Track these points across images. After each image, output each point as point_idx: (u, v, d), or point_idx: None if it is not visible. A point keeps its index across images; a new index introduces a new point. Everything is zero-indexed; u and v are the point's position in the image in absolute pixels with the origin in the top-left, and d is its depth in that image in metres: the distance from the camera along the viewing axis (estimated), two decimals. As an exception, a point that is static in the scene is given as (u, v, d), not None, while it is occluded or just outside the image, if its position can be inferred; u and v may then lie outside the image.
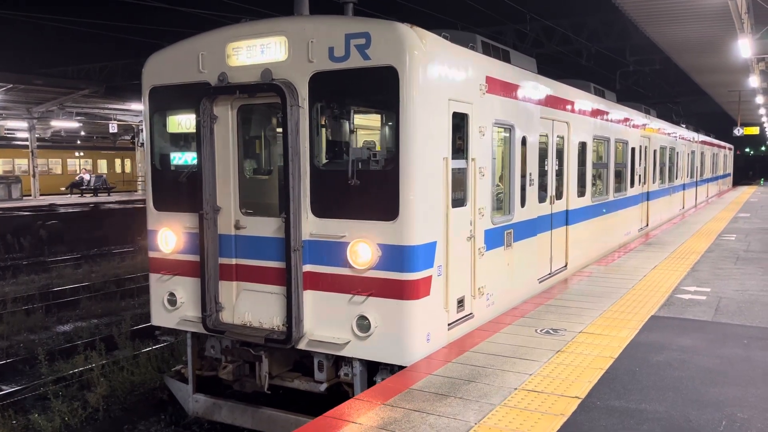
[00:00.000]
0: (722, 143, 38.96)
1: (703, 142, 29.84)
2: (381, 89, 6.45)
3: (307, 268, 6.75)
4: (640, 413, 5.10)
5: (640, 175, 16.60)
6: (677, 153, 22.46)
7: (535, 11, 23.18)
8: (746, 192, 39.06)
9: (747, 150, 79.00)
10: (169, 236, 7.70)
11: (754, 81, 22.80)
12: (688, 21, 16.56)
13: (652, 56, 27.29)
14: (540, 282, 9.70)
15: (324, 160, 6.86)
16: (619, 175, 14.72)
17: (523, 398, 5.40)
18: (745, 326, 7.68)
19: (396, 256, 6.34)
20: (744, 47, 15.53)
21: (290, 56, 6.74)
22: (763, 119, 42.83)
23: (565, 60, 27.27)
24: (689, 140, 25.32)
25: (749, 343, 6.95)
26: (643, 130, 16.77)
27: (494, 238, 8.00)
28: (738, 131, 36.89)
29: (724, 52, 20.03)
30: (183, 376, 8.03)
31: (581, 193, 11.66)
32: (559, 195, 10.53)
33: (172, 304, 7.69)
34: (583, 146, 11.67)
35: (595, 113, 12.45)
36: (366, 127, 8.02)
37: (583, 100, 11.74)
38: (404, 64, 6.23)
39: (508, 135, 8.55)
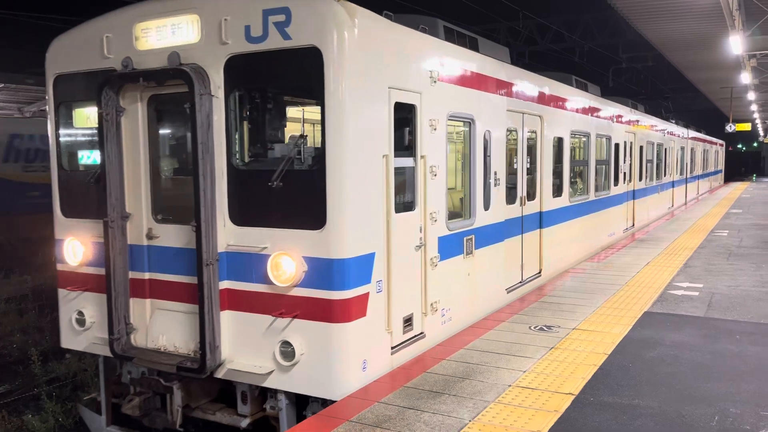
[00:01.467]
0: (713, 139, 38.63)
1: (694, 138, 29.32)
2: (304, 74, 5.53)
3: (225, 284, 5.85)
4: (633, 409, 5.13)
5: (625, 173, 15.83)
6: (666, 149, 21.82)
7: (529, 9, 23.21)
8: (738, 188, 39.23)
9: (739, 146, 79.36)
10: (77, 246, 6.73)
11: (745, 77, 22.89)
12: (680, 18, 16.61)
13: (644, 53, 27.37)
14: (509, 292, 8.85)
15: (243, 159, 6.00)
16: (601, 173, 14.04)
17: (517, 395, 5.42)
18: (737, 321, 7.72)
19: (323, 271, 5.47)
20: (735, 44, 15.59)
21: (203, 37, 5.85)
22: (755, 115, 43.03)
23: (559, 58, 27.32)
24: (678, 136, 24.71)
25: (741, 339, 7.00)
26: (628, 125, 16.08)
27: (451, 246, 7.18)
28: (730, 127, 37.04)
29: (715, 49, 20.09)
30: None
31: (557, 192, 10.91)
32: (531, 196, 9.78)
33: (81, 324, 6.71)
34: (559, 142, 10.94)
35: (574, 107, 11.71)
36: (299, 120, 7.22)
37: (559, 93, 10.94)
38: (330, 44, 5.33)
39: (468, 129, 7.73)
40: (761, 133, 63.02)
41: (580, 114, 12.03)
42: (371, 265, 5.78)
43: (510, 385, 5.64)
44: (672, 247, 13.85)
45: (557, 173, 10.99)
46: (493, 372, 6.00)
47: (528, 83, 9.48)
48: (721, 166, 45.91)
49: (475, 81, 7.71)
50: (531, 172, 9.78)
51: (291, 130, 6.33)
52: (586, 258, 12.61)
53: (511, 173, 9.03)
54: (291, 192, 5.61)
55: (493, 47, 8.91)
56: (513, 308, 8.43)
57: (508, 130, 8.71)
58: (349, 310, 5.52)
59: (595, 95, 13.62)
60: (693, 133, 29.42)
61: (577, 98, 11.87)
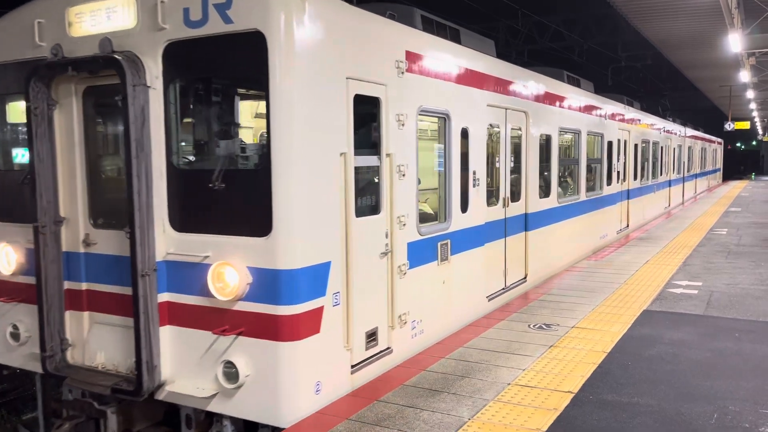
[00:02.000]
0: (711, 137, 38.24)
1: (691, 137, 28.72)
2: (246, 62, 5.02)
3: (166, 297, 5.29)
4: (633, 407, 5.13)
5: (618, 172, 15.17)
6: (662, 147, 21.11)
7: (528, 7, 23.21)
8: (737, 186, 39.26)
9: (738, 145, 79.41)
10: (10, 253, 6.09)
11: (744, 76, 22.91)
12: (678, 16, 16.62)
13: (643, 52, 27.38)
14: (490, 300, 8.29)
15: (185, 158, 5.46)
16: (593, 172, 13.46)
17: (517, 393, 5.42)
18: (736, 320, 7.73)
19: (269, 283, 4.92)
20: (734, 42, 15.60)
21: (139, 22, 5.25)
22: (754, 114, 43.05)
23: (558, 57, 27.32)
24: (676, 134, 24.06)
25: (740, 337, 7.00)
26: (622, 122, 15.43)
27: (422, 252, 6.63)
28: (729, 126, 37.07)
29: (714, 48, 20.11)
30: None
31: (545, 193, 10.37)
32: (516, 196, 9.24)
33: (16, 339, 6.04)
34: (547, 140, 10.35)
35: (563, 103, 11.04)
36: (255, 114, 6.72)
37: (547, 88, 10.31)
38: (275, 28, 4.76)
39: (443, 126, 7.17)
40: (760, 131, 63.07)
41: (569, 110, 11.44)
42: (326, 276, 5.21)
43: (509, 384, 5.65)
44: (671, 246, 13.85)
45: (545, 173, 10.44)
46: (493, 370, 6.00)
47: (512, 77, 8.91)
48: (720, 164, 45.47)
49: (450, 74, 7.12)
50: (516, 171, 9.28)
51: (261, 126, 5.79)
52: (576, 261, 12.03)
53: (493, 173, 8.57)
54: (234, 194, 5.07)
55: (477, 39, 8.45)
56: (511, 307, 8.44)
57: (489, 127, 8.24)
58: (299, 327, 4.96)
59: (588, 92, 13.20)
60: (691, 131, 28.90)
61: (566, 94, 11.30)
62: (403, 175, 6.24)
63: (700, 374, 5.86)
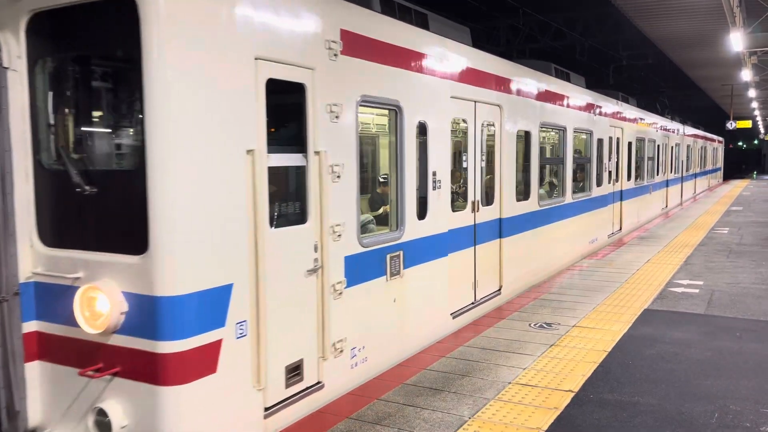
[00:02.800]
0: (711, 136, 37.39)
1: (690, 135, 27.90)
2: (117, 35, 4.12)
3: (34, 326, 4.42)
4: (633, 406, 5.12)
5: (610, 172, 14.30)
6: (659, 146, 20.13)
7: (529, 5, 23.18)
8: (738, 185, 39.22)
9: (740, 143, 79.33)
10: None
11: (746, 75, 22.89)
12: (680, 15, 16.61)
13: (645, 51, 27.34)
14: (456, 316, 7.43)
15: (56, 156, 4.51)
16: (581, 172, 12.81)
17: (517, 392, 5.42)
18: (737, 319, 7.72)
19: (146, 313, 3.99)
20: (736, 41, 15.58)
21: None
22: (756, 113, 43.02)
23: (560, 55, 27.30)
24: (674, 132, 23.12)
25: (741, 336, 6.99)
26: (614, 119, 14.49)
27: (366, 267, 5.70)
28: (731, 125, 37.04)
29: (716, 46, 20.09)
30: None
31: (524, 195, 9.52)
32: (488, 200, 8.38)
33: None
34: (526, 137, 9.47)
35: (545, 96, 10.05)
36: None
37: (525, 79, 9.28)
38: None
39: (394, 119, 6.25)
40: (762, 130, 63.00)
41: (553, 105, 10.50)
42: (226, 302, 4.26)
43: (510, 383, 5.64)
44: (672, 245, 13.84)
45: (524, 173, 9.61)
46: (493, 369, 5.99)
47: (483, 67, 7.95)
48: (720, 163, 44.79)
49: (401, 59, 6.17)
50: (489, 172, 8.47)
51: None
52: (563, 268, 11.17)
53: (458, 174, 7.85)
54: (107, 201, 4.24)
55: (450, 27, 7.69)
56: (512, 306, 8.43)
57: (454, 122, 7.44)
58: (186, 367, 4.01)
59: (580, 86, 12.49)
60: (690, 130, 28.07)
61: (548, 87, 10.30)
62: (338, 176, 5.26)
63: (701, 373, 5.85)
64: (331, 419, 4.93)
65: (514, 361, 6.20)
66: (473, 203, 7.91)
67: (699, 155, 31.50)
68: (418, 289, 6.60)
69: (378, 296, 5.96)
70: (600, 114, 13.34)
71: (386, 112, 6.32)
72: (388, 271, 6.10)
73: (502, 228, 8.67)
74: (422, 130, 6.65)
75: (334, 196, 5.27)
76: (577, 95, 11.95)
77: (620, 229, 15.58)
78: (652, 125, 19.16)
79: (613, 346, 6.63)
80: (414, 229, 6.52)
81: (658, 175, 20.21)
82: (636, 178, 17.08)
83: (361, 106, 5.62)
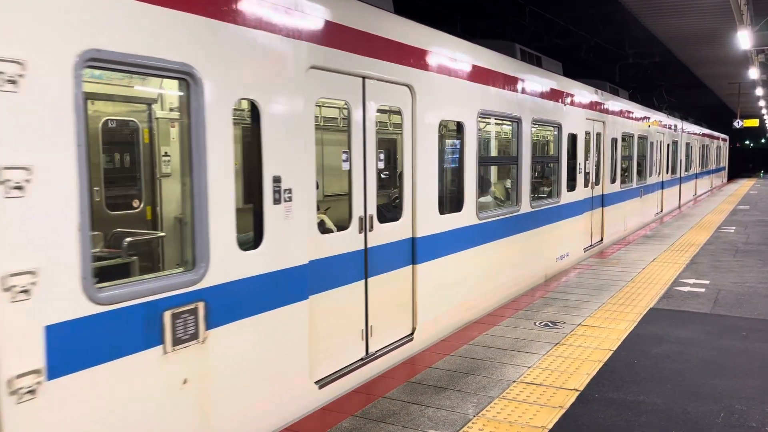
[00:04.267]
0: (714, 133, 35.49)
1: (690, 132, 25.98)
2: None
3: None
4: (639, 405, 5.11)
5: (588, 173, 12.26)
6: (652, 143, 18.22)
7: (534, 4, 23.12)
8: (745, 185, 39.05)
9: (747, 142, 78.97)
10: None
11: (753, 73, 22.78)
12: (687, 13, 16.54)
13: (651, 49, 27.24)
14: (325, 385, 5.32)
15: None
16: (546, 175, 11.33)
17: (522, 391, 5.41)
18: (743, 318, 7.69)
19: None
20: (743, 39, 15.50)
21: None
22: (763, 111, 42.81)
23: (565, 53, 27.22)
24: (670, 128, 21.20)
25: (748, 335, 6.97)
26: (592, 110, 12.36)
27: (107, 337, 3.48)
28: (738, 123, 36.87)
29: (723, 44, 20.00)
30: None
31: (455, 206, 7.53)
32: (390, 215, 6.42)
33: None
34: (458, 129, 7.51)
35: (487, 78, 7.99)
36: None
37: (454, 53, 7.20)
38: None
39: (184, 101, 4.11)
40: (769, 129, 62.69)
41: (499, 89, 8.32)
42: None
43: (515, 381, 5.64)
44: (678, 244, 13.79)
45: (454, 177, 7.76)
46: (498, 368, 5.99)
47: (378, 29, 5.87)
48: (724, 162, 43.21)
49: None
50: (399, 177, 6.59)
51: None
52: (515, 295, 9.02)
53: (338, 180, 6.48)
54: None
55: None
56: (518, 304, 8.42)
57: (318, 106, 5.53)
58: None
59: (555, 72, 10.72)
60: (689, 126, 26.07)
61: (489, 65, 8.09)
62: (19, 188, 3.09)
63: (707, 373, 5.83)
64: (336, 416, 4.94)
65: (519, 360, 6.19)
66: (363, 220, 5.78)
67: (700, 154, 29.62)
68: (239, 357, 4.40)
69: (139, 382, 3.70)
70: (572, 104, 11.17)
71: (160, 83, 4.59)
72: (168, 337, 3.87)
73: (416, 251, 6.53)
74: (254, 116, 4.57)
75: (13, 224, 3.08)
76: (537, 79, 9.64)
77: (602, 239, 13.43)
78: (644, 120, 17.15)
79: (619, 345, 6.62)
80: (232, 264, 4.34)
81: (651, 176, 18.36)
82: (623, 180, 15.22)
83: (78, 69, 3.33)
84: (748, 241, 14.25)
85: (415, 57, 6.44)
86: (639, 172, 16.88)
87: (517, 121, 9.05)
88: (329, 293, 5.39)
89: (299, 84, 4.92)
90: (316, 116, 5.36)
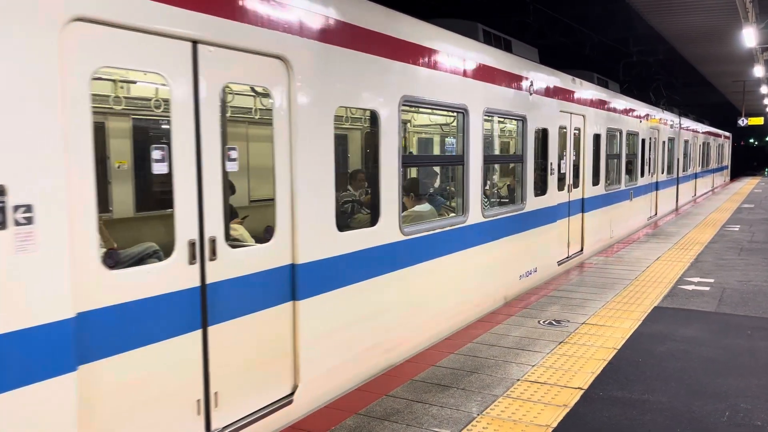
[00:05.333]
0: (716, 131, 33.84)
1: (689, 128, 24.28)
2: None
3: None
4: (643, 404, 5.10)
5: (563, 174, 10.72)
6: (644, 140, 16.54)
7: (538, 1, 23.08)
8: (750, 183, 38.93)
9: (752, 140, 78.71)
10: None
11: (759, 71, 22.71)
12: (692, 10, 16.48)
13: (655, 47, 27.17)
14: None
15: None
16: (507, 177, 9.93)
17: (526, 389, 5.40)
18: (748, 317, 7.67)
19: None
20: (749, 37, 15.46)
21: None
22: (768, 109, 42.66)
23: (569, 51, 27.17)
24: (666, 125, 19.51)
25: (753, 334, 6.94)
26: (569, 102, 10.76)
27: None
28: (742, 122, 36.74)
29: (728, 42, 19.92)
30: None
31: (371, 219, 5.92)
32: (256, 233, 5.22)
33: None
34: (372, 120, 6.00)
35: (412, 55, 6.23)
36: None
37: (357, 17, 5.47)
38: None
39: None
40: (774, 127, 62.41)
41: (432, 70, 6.59)
42: None
43: (519, 380, 5.63)
44: (683, 242, 13.76)
45: (368, 183, 6.82)
46: (502, 366, 5.98)
47: None
48: (727, 161, 41.76)
49: None
50: (262, 181, 5.79)
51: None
52: (457, 327, 7.26)
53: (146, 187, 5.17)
54: None
55: None
56: (522, 302, 8.40)
57: (101, 76, 4.27)
58: None
59: (528, 59, 9.30)
60: (688, 122, 24.27)
61: (420, 40, 6.42)
62: None
63: (712, 372, 5.81)
64: (340, 414, 4.93)
65: (523, 358, 6.18)
66: (193, 245, 4.04)
67: (701, 152, 27.81)
68: None
69: None
70: (541, 94, 9.47)
71: None
72: None
73: (297, 281, 4.86)
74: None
75: None
76: (488, 59, 7.87)
77: (581, 249, 11.80)
78: (633, 114, 15.39)
79: (623, 344, 6.60)
80: None
81: (643, 176, 16.63)
82: (609, 182, 13.54)
83: None
84: (753, 239, 14.20)
85: (292, 18, 4.72)
86: (629, 173, 15.37)
87: (462, 112, 7.31)
88: (129, 356, 3.68)
89: (47, 43, 3.18)
90: (122, 95, 4.47)
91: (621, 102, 14.28)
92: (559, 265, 10.69)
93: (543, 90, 9.63)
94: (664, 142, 19.25)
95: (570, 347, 6.52)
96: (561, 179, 10.68)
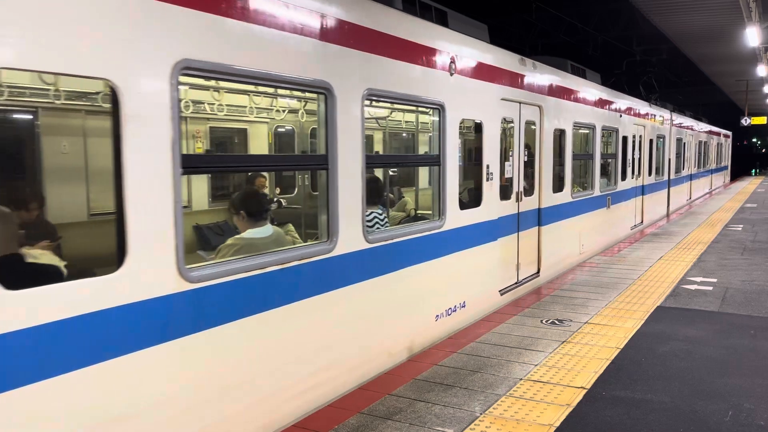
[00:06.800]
0: (715, 129, 31.58)
1: (682, 125, 22.00)
2: None
3: None
4: (646, 403, 5.10)
5: (508, 180, 8.50)
6: (626, 138, 14.28)
7: (542, 0, 23.05)
8: (753, 182, 38.87)
9: (754, 140, 78.58)
10: None
11: (762, 70, 22.68)
12: (695, 10, 16.46)
13: (659, 46, 27.14)
14: None
15: None
16: (404, 185, 8.47)
17: (529, 389, 5.41)
18: (751, 317, 7.66)
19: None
20: (752, 36, 15.44)
21: None
22: (771, 109, 42.58)
23: (573, 50, 27.15)
24: (655, 121, 17.49)
25: (756, 334, 6.94)
26: (516, 89, 8.47)
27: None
28: (745, 121, 36.69)
29: (731, 41, 19.90)
30: None
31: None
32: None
33: None
34: (112, 99, 3.51)
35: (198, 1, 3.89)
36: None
37: None
38: None
39: None
40: (777, 126, 62.28)
41: (243, 23, 4.25)
42: None
43: (521, 379, 5.63)
44: (685, 242, 13.74)
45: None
46: (505, 365, 5.98)
47: None
48: (727, 161, 39.22)
49: None
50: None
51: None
52: (321, 402, 5.15)
53: None
54: None
55: None
56: (525, 302, 8.40)
57: None
58: None
59: (480, 38, 7.70)
60: (682, 119, 22.12)
61: None
62: None
63: (715, 371, 5.81)
64: (342, 413, 4.94)
65: (525, 358, 6.18)
66: None
67: (696, 151, 25.70)
68: None
69: None
70: (470, 75, 7.28)
71: None
72: None
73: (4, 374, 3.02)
74: None
75: None
76: (377, 20, 5.73)
77: (537, 272, 9.60)
78: (612, 108, 13.12)
79: (626, 343, 6.60)
80: None
81: (625, 179, 14.45)
82: (577, 187, 11.53)
83: None
84: (755, 239, 14.18)
85: None
86: (606, 175, 13.34)
87: (323, 93, 5.02)
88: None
89: None
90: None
91: (594, 92, 12.00)
92: (502, 294, 8.37)
93: (472, 70, 7.33)
94: (652, 141, 17.15)
95: (573, 347, 6.52)
96: (506, 186, 8.46)
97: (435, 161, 6.94)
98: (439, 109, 6.78)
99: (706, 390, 5.37)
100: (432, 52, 6.58)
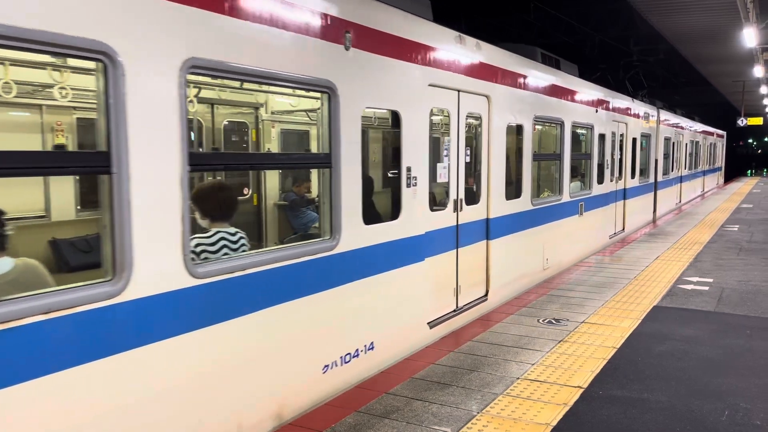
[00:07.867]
0: (707, 128, 29.79)
1: (670, 124, 20.34)
2: None
3: None
4: (643, 403, 5.11)
5: (444, 187, 7.11)
6: (603, 136, 12.67)
7: (541, 0, 23.07)
8: (749, 183, 38.97)
9: (750, 141, 78.76)
10: None
11: (758, 71, 22.73)
12: (693, 10, 16.49)
13: (656, 46, 27.18)
14: None
15: None
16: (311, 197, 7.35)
17: (526, 388, 5.41)
18: (747, 316, 7.68)
19: None
20: (749, 37, 15.47)
21: None
22: (768, 110, 42.69)
23: (570, 50, 27.17)
24: (639, 118, 15.83)
25: (752, 334, 6.95)
26: (445, 71, 6.69)
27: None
28: (742, 121, 36.77)
29: (728, 42, 19.94)
30: None
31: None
32: None
33: None
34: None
35: None
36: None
37: None
38: None
39: None
40: (773, 127, 62.45)
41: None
42: None
43: (518, 378, 5.63)
44: (682, 242, 13.77)
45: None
46: (502, 365, 5.99)
47: None
48: (720, 162, 37.85)
49: None
50: None
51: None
52: None
53: None
54: None
55: None
56: (521, 301, 8.41)
57: None
58: None
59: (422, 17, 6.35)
60: (670, 117, 20.48)
61: None
62: None
63: (711, 371, 5.82)
64: (339, 412, 4.94)
65: (522, 357, 6.19)
66: None
67: (687, 152, 24.09)
68: None
69: None
70: (378, 51, 5.67)
71: None
72: None
73: None
74: None
75: None
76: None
77: (485, 295, 8.02)
78: (585, 101, 11.62)
79: (622, 343, 6.61)
80: None
81: (602, 182, 12.83)
82: (540, 192, 10.33)
83: None
84: (752, 239, 14.22)
85: None
86: (578, 178, 11.92)
87: (105, 61, 3.37)
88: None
89: None
90: None
91: (561, 82, 10.41)
92: (432, 327, 6.82)
93: (382, 44, 5.72)
94: (635, 140, 15.44)
95: (569, 346, 6.53)
96: (434, 195, 7.06)
97: (323, 162, 5.20)
98: (328, 92, 5.11)
99: (702, 389, 5.38)
100: (313, 14, 4.86)
